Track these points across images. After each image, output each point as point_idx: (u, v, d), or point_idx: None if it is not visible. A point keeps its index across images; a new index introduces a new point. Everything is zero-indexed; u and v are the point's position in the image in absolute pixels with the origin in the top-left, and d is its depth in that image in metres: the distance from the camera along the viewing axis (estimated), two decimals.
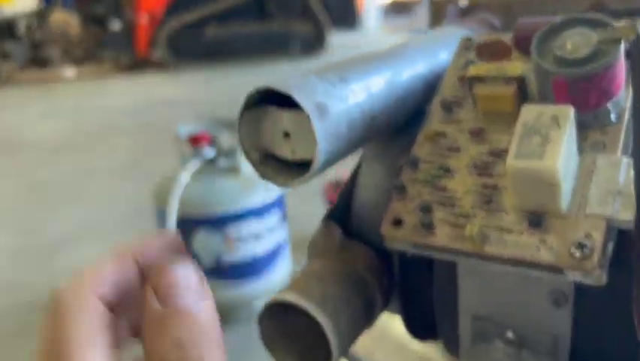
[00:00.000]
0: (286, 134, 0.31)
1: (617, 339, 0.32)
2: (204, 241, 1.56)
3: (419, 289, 0.38)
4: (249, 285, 1.56)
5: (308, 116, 0.29)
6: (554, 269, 0.29)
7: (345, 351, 0.35)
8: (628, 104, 0.31)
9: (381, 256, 0.40)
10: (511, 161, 0.29)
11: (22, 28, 5.91)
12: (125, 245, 0.28)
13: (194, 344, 0.24)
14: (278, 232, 1.57)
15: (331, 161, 0.31)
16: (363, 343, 0.59)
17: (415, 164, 0.34)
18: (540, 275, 0.29)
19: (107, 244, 2.26)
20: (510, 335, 0.35)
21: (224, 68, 5.37)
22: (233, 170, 1.53)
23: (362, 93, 0.33)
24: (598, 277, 0.28)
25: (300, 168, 0.31)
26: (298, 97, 0.29)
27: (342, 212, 0.40)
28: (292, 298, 0.34)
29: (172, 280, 0.25)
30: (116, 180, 3.00)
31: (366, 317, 0.37)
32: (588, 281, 0.28)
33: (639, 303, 0.28)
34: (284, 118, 0.31)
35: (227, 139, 1.57)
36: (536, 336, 0.34)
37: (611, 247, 0.29)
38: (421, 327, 0.40)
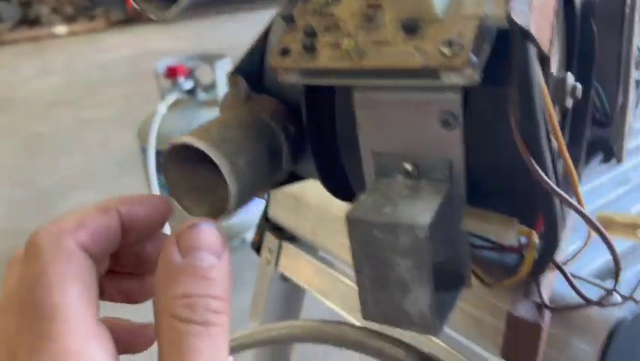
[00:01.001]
0: None
1: (508, 159, 0.32)
2: None
3: (325, 133, 0.38)
4: (235, 217, 1.57)
5: None
6: (429, 73, 0.28)
7: (245, 195, 0.35)
8: None
9: (291, 108, 0.40)
10: None
11: None
12: (111, 198, 0.28)
13: (202, 304, 0.24)
14: None
15: None
16: (307, 226, 0.60)
17: None
18: (419, 84, 0.29)
19: (104, 190, 2.29)
20: (408, 166, 0.34)
21: (215, 18, 5.29)
22: (213, 103, 1.52)
23: None
24: (470, 75, 0.27)
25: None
26: None
27: (250, 66, 0.40)
28: (189, 140, 0.34)
29: (196, 236, 0.26)
30: (111, 129, 3.01)
31: (271, 163, 0.37)
32: (460, 80, 0.27)
33: (515, 111, 0.28)
34: None
35: (207, 73, 1.56)
36: (432, 163, 0.34)
37: (486, 48, 0.28)
38: (332, 177, 0.40)
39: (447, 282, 0.39)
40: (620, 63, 0.53)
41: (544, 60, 0.29)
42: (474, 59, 0.27)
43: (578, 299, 0.37)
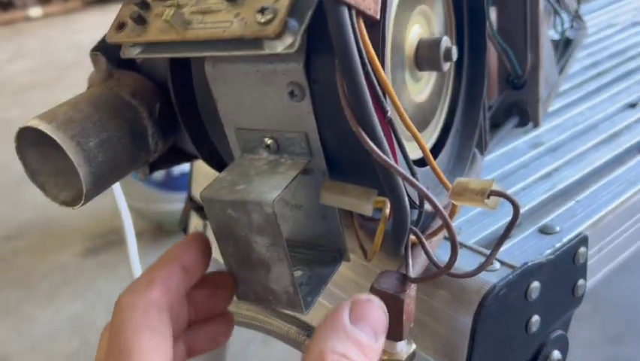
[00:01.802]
0: None
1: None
2: None
3: (195, 109, 0.36)
4: None
5: None
6: (253, 42, 0.27)
7: (103, 177, 0.34)
8: None
9: (160, 85, 0.38)
10: None
11: None
12: (169, 253, 0.33)
13: None
14: None
15: None
16: None
17: None
18: (246, 54, 0.28)
19: None
20: (268, 141, 0.33)
21: None
22: None
23: None
24: (291, 43, 0.26)
25: None
26: None
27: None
28: (32, 122, 0.32)
29: (369, 311, 0.29)
30: None
31: (134, 143, 0.35)
32: (282, 48, 0.26)
33: (340, 79, 0.27)
34: None
35: None
36: (289, 137, 0.32)
37: (308, 14, 0.26)
38: (209, 153, 0.39)
39: (324, 257, 0.38)
40: (526, 22, 0.51)
41: (374, 24, 0.27)
42: (294, 25, 0.26)
43: (465, 270, 0.36)
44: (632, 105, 0.59)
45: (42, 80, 3.63)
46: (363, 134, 0.26)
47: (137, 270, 1.06)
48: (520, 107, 0.56)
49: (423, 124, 0.41)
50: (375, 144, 0.27)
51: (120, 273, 1.61)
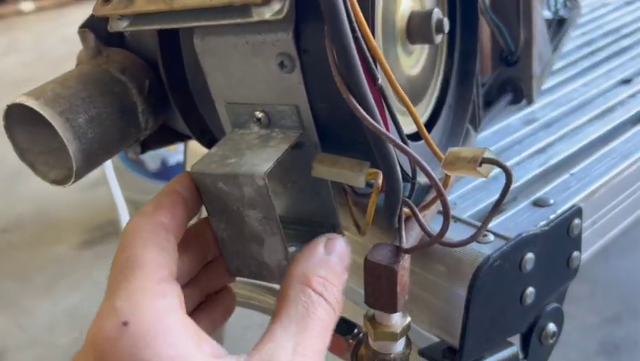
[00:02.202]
0: None
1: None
2: None
3: (185, 85, 0.36)
4: None
5: None
6: (242, 9, 0.26)
7: (94, 154, 0.34)
8: None
9: (150, 62, 0.38)
10: None
11: None
12: (170, 186, 0.33)
13: (333, 291, 0.30)
14: None
15: None
16: None
17: None
18: (234, 21, 0.27)
19: None
20: (259, 115, 0.33)
21: None
22: None
23: None
24: (279, 9, 0.26)
25: None
26: None
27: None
28: (20, 99, 0.32)
29: (340, 246, 0.32)
30: None
31: (124, 120, 0.35)
32: (270, 15, 0.26)
33: (330, 47, 0.26)
34: None
35: None
36: (280, 110, 0.32)
37: None
38: (200, 131, 0.39)
39: (317, 233, 0.38)
40: None
41: None
42: None
43: (465, 246, 0.36)
44: (626, 81, 0.58)
45: (35, 74, 3.61)
46: (354, 101, 0.26)
47: None
48: (513, 84, 0.56)
49: (416, 98, 0.41)
50: (366, 111, 0.27)
51: None
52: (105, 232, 1.85)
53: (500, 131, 0.52)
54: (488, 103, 0.55)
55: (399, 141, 0.27)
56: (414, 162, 0.27)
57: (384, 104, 0.29)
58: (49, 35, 4.79)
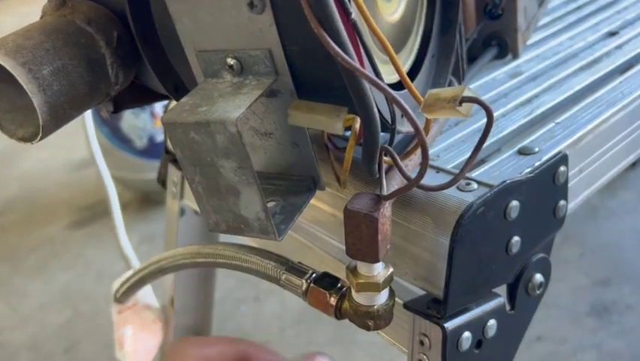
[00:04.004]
0: None
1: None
2: (133, 120, 1.53)
3: (154, 35, 0.35)
4: None
5: None
6: None
7: (61, 108, 0.32)
8: None
9: (119, 14, 0.36)
10: None
11: None
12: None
13: None
14: None
15: None
16: None
17: None
18: None
19: (59, 147, 2.24)
20: (230, 61, 0.32)
21: None
22: None
23: None
24: None
25: None
26: None
27: None
28: None
29: None
30: None
31: (92, 72, 0.34)
32: None
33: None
34: None
35: None
36: (253, 55, 0.31)
37: None
38: (174, 87, 0.37)
39: (298, 186, 0.37)
40: None
41: None
42: None
43: (447, 194, 0.35)
44: (613, 34, 0.57)
45: None
46: (326, 35, 0.25)
47: (125, 240, 1.05)
48: (498, 38, 0.55)
49: (396, 47, 0.40)
50: (340, 46, 0.25)
51: (108, 243, 1.60)
52: (95, 211, 1.83)
53: (486, 85, 0.51)
54: (473, 58, 0.54)
55: (367, 73, 0.26)
56: (389, 98, 0.26)
57: (358, 41, 0.27)
58: (32, 18, 4.73)
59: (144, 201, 1.78)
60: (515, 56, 0.55)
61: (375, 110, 0.28)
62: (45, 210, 1.94)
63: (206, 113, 0.29)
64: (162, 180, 0.66)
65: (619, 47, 0.54)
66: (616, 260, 1.25)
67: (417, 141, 0.34)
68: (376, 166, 0.32)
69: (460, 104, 0.28)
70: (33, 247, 1.74)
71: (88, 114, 1.39)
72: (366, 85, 0.27)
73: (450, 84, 0.44)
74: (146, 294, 0.68)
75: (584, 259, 1.25)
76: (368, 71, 0.29)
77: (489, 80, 0.52)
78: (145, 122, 1.49)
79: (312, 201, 0.39)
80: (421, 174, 0.28)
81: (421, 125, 0.35)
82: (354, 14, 0.27)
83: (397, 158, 0.30)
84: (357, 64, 0.25)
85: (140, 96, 0.41)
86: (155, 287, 0.72)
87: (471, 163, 0.30)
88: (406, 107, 0.26)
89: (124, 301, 0.65)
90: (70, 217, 1.84)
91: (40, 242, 1.76)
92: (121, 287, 0.62)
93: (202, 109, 0.30)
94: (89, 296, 1.48)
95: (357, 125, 0.29)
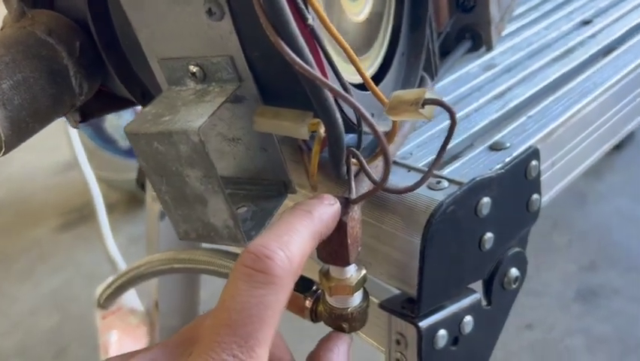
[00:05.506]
0: None
1: None
2: (116, 120, 1.51)
3: (116, 46, 0.34)
4: None
5: None
6: None
7: (24, 122, 0.32)
8: None
9: (81, 23, 0.36)
10: None
11: None
12: None
13: None
14: None
15: None
16: None
17: None
18: None
19: (44, 149, 2.23)
20: (193, 68, 0.31)
21: None
22: None
23: None
24: None
25: None
26: None
27: None
28: None
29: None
30: None
31: (55, 84, 0.33)
32: None
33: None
34: None
35: None
36: (215, 62, 0.31)
37: None
38: (141, 94, 0.37)
39: (269, 191, 0.37)
40: None
41: None
42: None
43: (418, 194, 0.35)
44: (587, 22, 0.57)
45: None
46: (282, 43, 0.25)
47: (111, 243, 1.04)
48: (472, 31, 0.54)
49: (365, 46, 0.40)
50: (297, 53, 0.25)
51: (97, 245, 1.60)
52: (83, 213, 1.82)
53: (459, 79, 0.51)
54: (447, 52, 0.54)
55: (326, 80, 0.26)
56: (348, 104, 0.26)
57: (318, 47, 0.27)
58: None
59: (131, 201, 1.77)
60: (489, 49, 0.55)
61: (337, 114, 0.28)
62: (32, 213, 1.92)
63: (168, 123, 0.29)
64: (141, 183, 0.65)
65: (592, 36, 0.54)
66: (602, 245, 1.26)
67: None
68: (344, 169, 0.32)
69: (423, 106, 0.28)
70: (22, 250, 1.73)
71: None
72: (327, 91, 0.27)
73: (422, 80, 0.44)
74: (130, 298, 0.68)
75: (572, 244, 1.27)
76: (330, 76, 0.29)
77: (463, 74, 0.51)
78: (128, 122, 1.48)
79: (286, 203, 0.39)
80: (384, 177, 0.28)
81: (387, 128, 0.35)
82: (312, 19, 0.26)
83: (364, 161, 0.30)
84: (314, 70, 0.25)
85: (108, 104, 0.41)
86: (141, 291, 0.72)
87: (437, 164, 0.29)
88: (365, 112, 0.26)
89: (107, 307, 0.65)
90: (57, 220, 1.83)
91: (28, 246, 1.75)
92: (104, 293, 0.62)
93: (165, 118, 0.30)
94: (77, 299, 1.47)
95: (323, 130, 0.29)
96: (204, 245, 0.49)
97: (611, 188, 1.41)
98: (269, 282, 0.25)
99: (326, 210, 0.29)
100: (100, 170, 1.56)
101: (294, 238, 0.27)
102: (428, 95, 0.27)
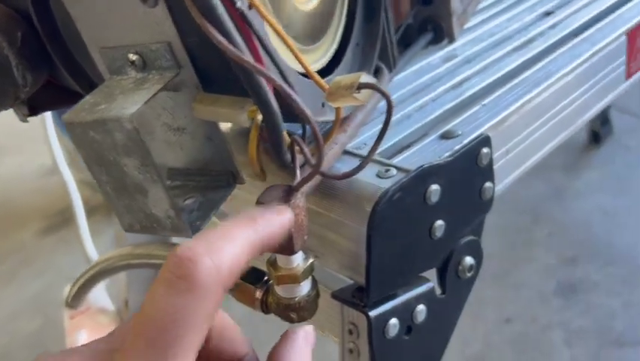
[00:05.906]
0: None
1: None
2: None
3: (59, 37, 0.34)
4: None
5: None
6: None
7: None
8: None
9: (23, 15, 0.35)
10: None
11: None
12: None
13: None
14: None
15: None
16: None
17: None
18: None
19: (32, 152, 2.21)
20: (132, 57, 0.31)
21: None
22: None
23: None
24: None
25: None
26: None
27: None
28: None
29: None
30: None
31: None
32: None
33: None
34: None
35: None
36: (154, 50, 0.30)
37: None
38: (89, 85, 0.37)
39: (217, 182, 0.36)
40: None
41: None
42: None
43: (360, 180, 0.35)
44: (548, 13, 0.57)
45: None
46: (209, 26, 0.25)
47: (90, 246, 1.04)
48: (434, 23, 0.54)
49: (316, 35, 0.39)
50: (225, 37, 0.25)
51: (78, 248, 1.59)
52: (66, 217, 1.81)
53: (420, 70, 0.51)
54: (409, 44, 0.54)
55: (256, 65, 0.25)
56: (279, 90, 0.26)
57: (251, 32, 0.27)
58: None
59: None
60: (451, 40, 0.55)
61: (272, 101, 0.28)
62: (16, 216, 1.91)
63: (103, 111, 0.29)
64: None
65: (552, 26, 0.54)
66: (582, 239, 1.27)
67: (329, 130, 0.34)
68: (287, 156, 0.32)
69: (359, 90, 0.28)
70: (4, 254, 1.71)
71: (49, 119, 1.37)
72: (258, 79, 0.26)
73: (377, 71, 0.44)
74: (100, 297, 0.68)
75: (553, 238, 1.27)
76: (268, 63, 0.29)
77: (424, 65, 0.51)
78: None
79: (239, 192, 0.39)
80: (318, 162, 0.28)
81: (331, 117, 0.35)
82: (241, 3, 0.26)
83: (304, 146, 0.30)
84: (242, 53, 0.25)
85: (59, 97, 0.40)
86: (112, 291, 0.71)
87: (375, 150, 0.29)
88: (296, 98, 0.26)
89: (76, 306, 0.64)
90: (41, 223, 1.82)
91: (11, 249, 1.73)
92: (70, 292, 0.61)
93: (101, 107, 0.29)
94: (60, 303, 1.47)
95: (260, 117, 0.29)
96: (174, 239, 0.49)
97: (589, 185, 1.41)
98: (189, 289, 0.23)
99: (274, 220, 0.28)
100: (81, 172, 1.55)
101: (227, 245, 0.24)
102: (363, 79, 0.27)
